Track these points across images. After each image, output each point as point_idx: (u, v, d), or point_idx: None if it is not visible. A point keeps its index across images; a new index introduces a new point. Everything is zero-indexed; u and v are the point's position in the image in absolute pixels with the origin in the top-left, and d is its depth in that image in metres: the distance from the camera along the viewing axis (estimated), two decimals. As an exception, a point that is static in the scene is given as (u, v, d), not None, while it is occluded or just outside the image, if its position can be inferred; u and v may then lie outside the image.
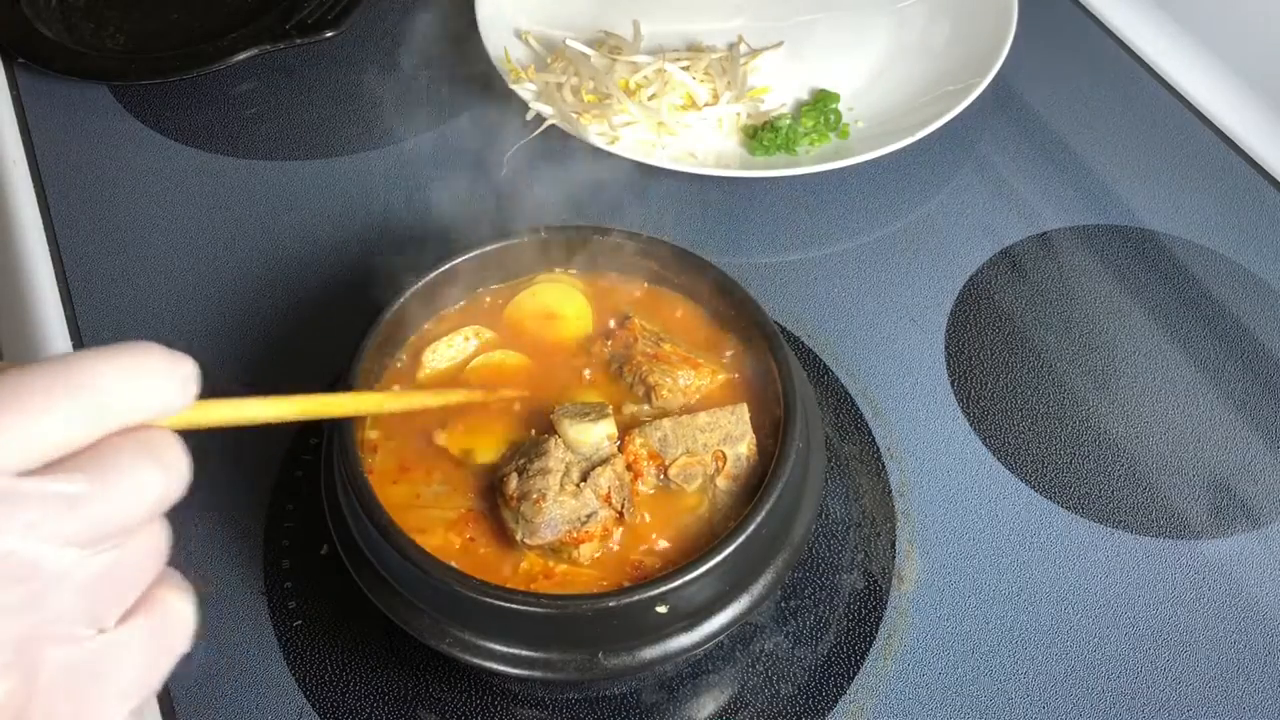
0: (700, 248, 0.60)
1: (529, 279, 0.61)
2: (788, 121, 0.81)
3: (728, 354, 0.58)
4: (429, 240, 0.60)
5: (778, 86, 0.86)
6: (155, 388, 0.31)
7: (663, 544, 0.52)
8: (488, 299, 0.61)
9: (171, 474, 0.31)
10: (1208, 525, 0.62)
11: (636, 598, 0.47)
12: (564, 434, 0.52)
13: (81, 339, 0.70)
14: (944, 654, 0.57)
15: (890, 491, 0.63)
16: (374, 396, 0.53)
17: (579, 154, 0.80)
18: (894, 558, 0.60)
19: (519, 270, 0.61)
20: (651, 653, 0.48)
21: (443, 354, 0.58)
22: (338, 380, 0.54)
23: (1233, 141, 0.84)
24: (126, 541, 0.30)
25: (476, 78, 0.87)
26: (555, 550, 0.50)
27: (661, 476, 0.53)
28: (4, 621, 0.28)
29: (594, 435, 0.52)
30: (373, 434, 0.55)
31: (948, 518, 0.62)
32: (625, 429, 0.54)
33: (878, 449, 0.65)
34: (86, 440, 0.29)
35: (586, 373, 0.58)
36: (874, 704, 0.55)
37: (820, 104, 0.83)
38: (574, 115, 0.81)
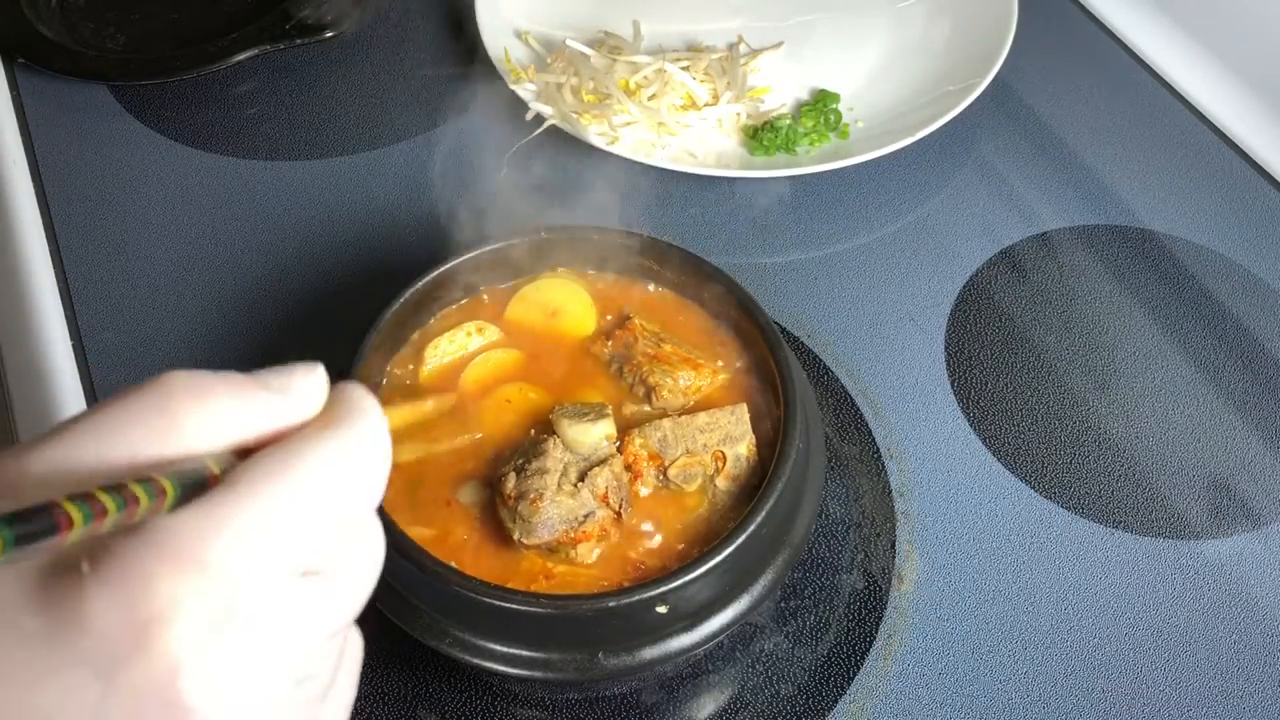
0: (700, 248, 0.60)
1: (530, 278, 0.61)
2: (788, 121, 0.81)
3: (728, 354, 0.58)
4: (429, 240, 0.60)
5: (778, 86, 0.86)
6: (389, 457, 0.31)
7: (663, 544, 0.52)
8: (489, 298, 0.61)
9: (381, 559, 0.31)
10: (1208, 525, 0.62)
11: (636, 598, 0.47)
12: (562, 434, 0.52)
13: (81, 339, 0.70)
14: (944, 654, 0.57)
15: (890, 492, 0.63)
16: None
17: (579, 154, 0.80)
18: (894, 558, 0.60)
19: (519, 270, 0.61)
20: (651, 653, 0.48)
21: (444, 350, 0.58)
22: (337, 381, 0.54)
23: (1233, 141, 0.84)
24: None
25: (476, 78, 0.87)
26: (553, 550, 0.50)
27: (661, 477, 0.53)
28: (295, 715, 0.28)
29: (592, 435, 0.52)
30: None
31: (948, 518, 0.62)
32: (625, 429, 0.54)
33: (878, 449, 0.65)
34: (351, 534, 0.29)
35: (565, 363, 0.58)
36: (874, 704, 0.55)
37: (820, 104, 0.83)
38: (574, 115, 0.81)
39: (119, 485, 0.24)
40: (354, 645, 0.32)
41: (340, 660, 0.31)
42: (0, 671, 0.23)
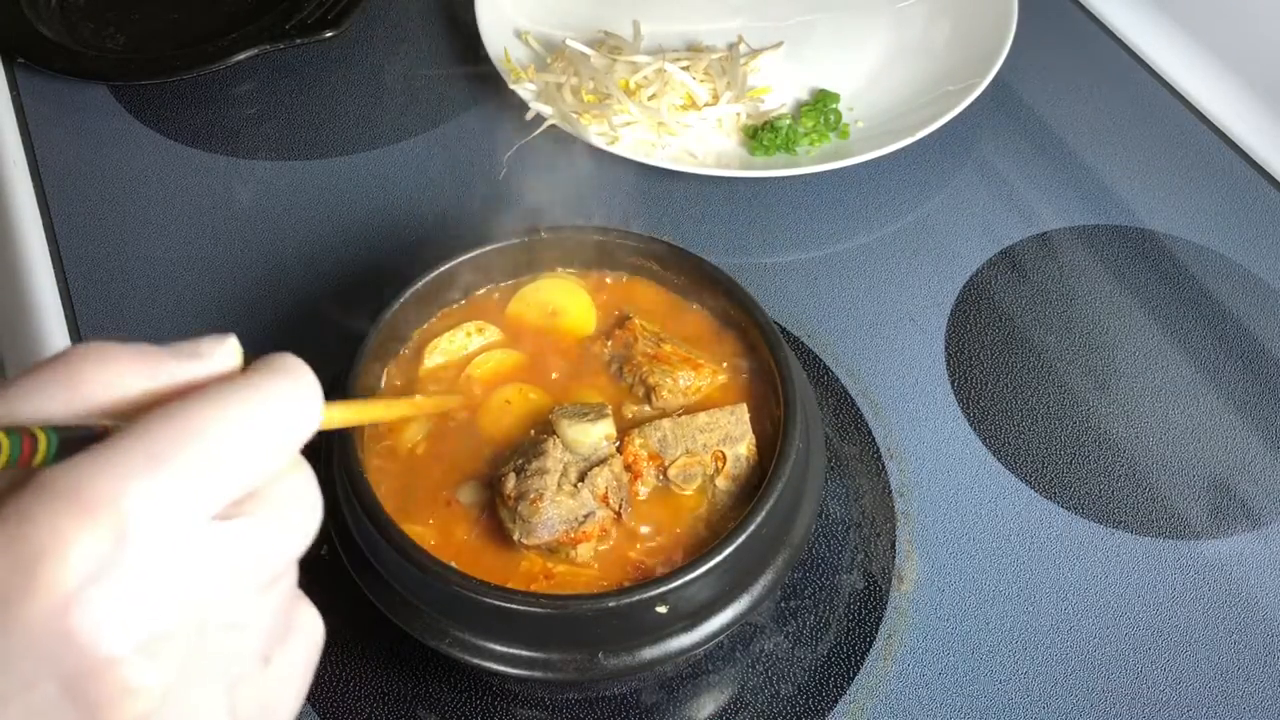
0: (700, 248, 0.60)
1: (530, 278, 0.61)
2: (788, 121, 0.81)
3: (728, 354, 0.58)
4: (429, 240, 0.60)
5: (778, 86, 0.86)
6: (315, 412, 0.30)
7: (663, 544, 0.52)
8: (489, 298, 0.61)
9: (319, 507, 0.31)
10: (1208, 525, 0.62)
11: (636, 598, 0.47)
12: (562, 434, 0.52)
13: (81, 339, 0.70)
14: (944, 654, 0.57)
15: (890, 492, 0.63)
16: (432, 400, 0.55)
17: (579, 154, 0.80)
18: (894, 558, 0.60)
19: (519, 270, 0.61)
20: (651, 653, 0.48)
21: (444, 349, 0.58)
22: (336, 381, 0.54)
23: (1233, 141, 0.84)
24: (288, 573, 0.30)
25: (476, 78, 0.88)
26: (553, 550, 0.50)
27: (661, 477, 0.53)
28: (222, 668, 0.28)
29: (592, 435, 0.52)
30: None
31: (948, 518, 0.62)
32: (625, 429, 0.54)
33: (878, 449, 0.65)
34: (268, 479, 0.29)
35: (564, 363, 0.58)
36: (874, 704, 0.55)
37: (820, 104, 0.83)
38: (574, 115, 0.81)
39: None
40: (307, 619, 0.32)
41: (288, 628, 0.31)
42: None
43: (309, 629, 0.32)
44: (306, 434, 0.30)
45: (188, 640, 0.27)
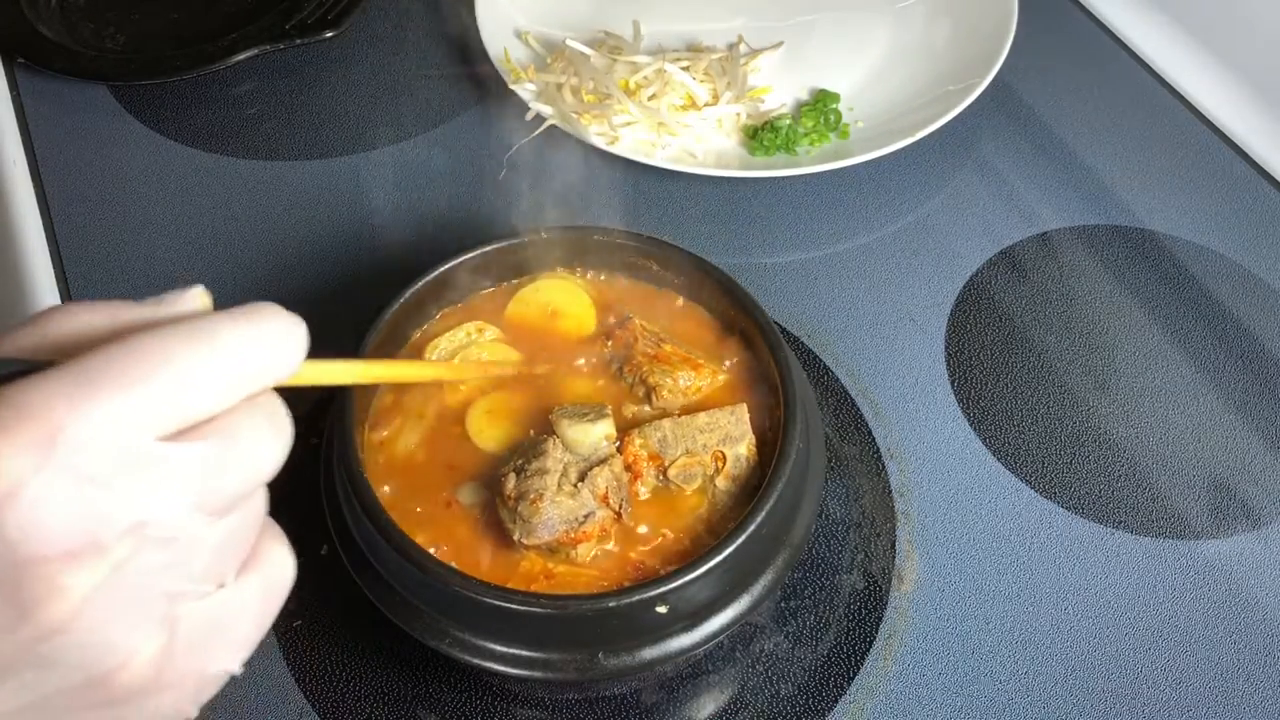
0: (700, 248, 0.60)
1: (530, 278, 0.61)
2: (788, 121, 0.81)
3: (728, 354, 0.58)
4: (429, 240, 0.60)
5: (778, 86, 0.86)
6: (283, 354, 0.31)
7: (663, 544, 0.52)
8: (489, 298, 0.61)
9: (284, 439, 0.32)
10: (1208, 525, 0.62)
11: (636, 598, 0.47)
12: (562, 434, 0.52)
13: (81, 339, 0.70)
14: (944, 654, 0.57)
15: (890, 492, 0.63)
16: (438, 365, 0.56)
17: (579, 154, 0.80)
18: (894, 558, 0.60)
19: (519, 270, 0.61)
20: (651, 653, 0.48)
21: (445, 349, 0.58)
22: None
23: (1233, 141, 0.84)
24: (245, 504, 0.31)
25: (476, 78, 0.88)
26: (553, 550, 0.50)
27: (661, 477, 0.53)
28: (156, 581, 0.29)
29: (592, 435, 0.52)
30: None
31: (948, 518, 0.62)
32: (625, 429, 0.54)
33: (878, 449, 0.65)
34: (221, 408, 0.30)
35: (580, 361, 0.58)
36: (874, 704, 0.55)
37: (820, 104, 0.83)
38: (574, 115, 0.81)
39: None
40: (276, 553, 0.33)
41: (253, 557, 0.32)
42: None
43: (276, 563, 0.33)
44: (271, 371, 0.31)
45: (122, 549, 0.28)
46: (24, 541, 0.26)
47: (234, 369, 0.30)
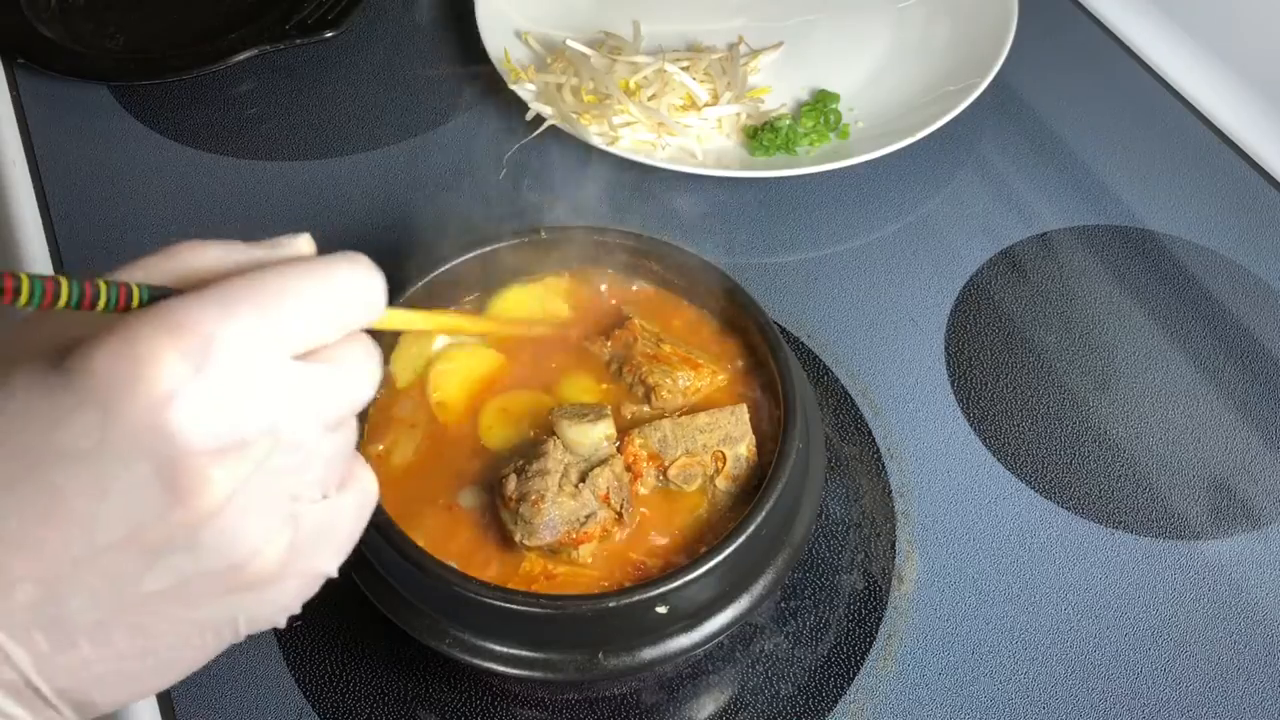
0: (700, 248, 0.60)
1: (529, 279, 0.61)
2: (788, 122, 0.81)
3: (728, 354, 0.58)
4: (429, 241, 0.60)
5: (778, 87, 0.86)
6: (376, 298, 0.35)
7: (663, 544, 0.52)
8: (488, 299, 0.61)
9: (379, 371, 0.36)
10: (1208, 525, 0.62)
11: (636, 598, 0.47)
12: (563, 435, 0.52)
13: (81, 339, 0.70)
14: (944, 654, 0.57)
15: (890, 492, 0.63)
16: (487, 320, 0.59)
17: (579, 154, 0.80)
18: (894, 558, 0.60)
19: (519, 271, 0.61)
20: (651, 653, 0.48)
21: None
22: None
23: (1233, 141, 0.84)
24: (347, 426, 0.35)
25: (476, 78, 0.88)
26: (554, 551, 0.50)
27: (661, 477, 0.53)
28: (284, 482, 0.33)
29: (593, 436, 0.52)
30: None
31: (948, 518, 0.62)
32: (625, 430, 0.54)
33: (878, 449, 0.65)
34: (333, 339, 0.34)
35: (552, 362, 0.58)
36: (874, 705, 0.55)
37: (820, 104, 0.83)
38: (574, 115, 0.81)
39: (85, 277, 0.32)
40: (363, 476, 0.37)
41: (348, 476, 0.36)
42: (29, 415, 0.30)
43: (364, 484, 0.37)
44: (370, 310, 0.35)
45: (260, 450, 0.32)
46: (182, 435, 0.30)
47: (345, 306, 0.34)
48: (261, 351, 0.31)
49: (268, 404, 0.31)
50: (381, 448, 0.54)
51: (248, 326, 0.31)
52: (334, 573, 0.37)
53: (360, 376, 0.35)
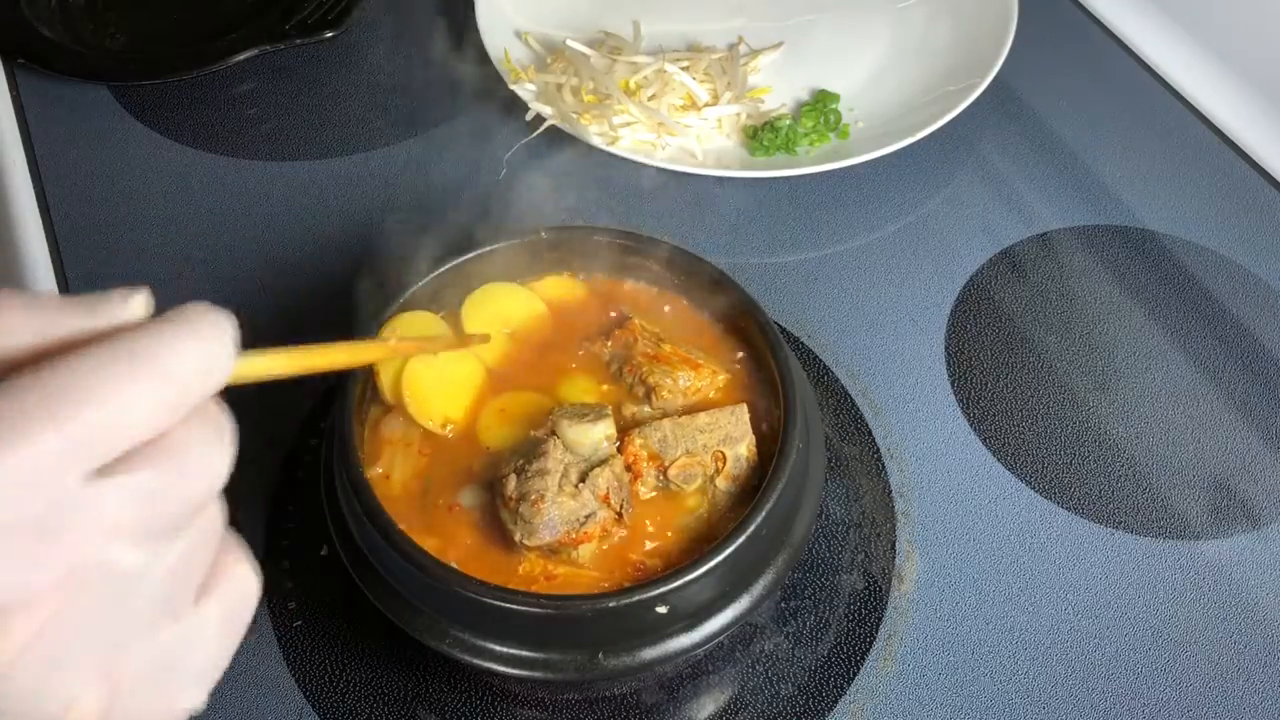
0: (700, 248, 0.60)
1: (530, 279, 0.61)
2: (788, 122, 0.81)
3: (728, 354, 0.58)
4: (429, 241, 0.60)
5: (778, 87, 0.86)
6: (222, 359, 0.29)
7: (663, 545, 0.52)
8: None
9: (229, 448, 0.30)
10: (1208, 525, 0.62)
11: (636, 598, 0.47)
12: (563, 435, 0.52)
13: (81, 339, 0.70)
14: (944, 654, 0.57)
15: (890, 492, 0.63)
16: (374, 345, 0.52)
17: (579, 154, 0.80)
18: (894, 558, 0.60)
19: (519, 271, 0.61)
20: (652, 653, 0.48)
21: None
22: (335, 384, 0.54)
23: (1233, 141, 0.84)
24: (196, 523, 0.29)
25: (476, 78, 0.88)
26: (554, 551, 0.50)
27: (661, 477, 0.53)
28: (97, 625, 0.27)
29: (592, 436, 0.52)
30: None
31: (948, 518, 0.62)
32: (625, 430, 0.54)
33: (878, 449, 0.65)
34: (164, 428, 0.28)
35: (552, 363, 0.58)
36: (874, 705, 0.55)
37: (820, 104, 0.83)
38: (574, 115, 0.81)
39: None
40: (236, 570, 0.31)
41: (213, 577, 0.30)
42: None
43: (237, 583, 0.31)
44: (211, 379, 0.29)
45: (56, 599, 0.26)
46: None
47: (174, 389, 0.28)
48: (50, 479, 0.25)
49: (60, 543, 0.26)
50: (380, 470, 0.54)
51: (29, 451, 0.25)
52: (198, 705, 0.31)
53: (201, 464, 0.28)
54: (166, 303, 0.30)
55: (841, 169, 0.78)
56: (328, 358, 0.42)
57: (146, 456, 0.27)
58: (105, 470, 0.27)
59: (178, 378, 0.28)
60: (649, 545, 0.52)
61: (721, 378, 0.57)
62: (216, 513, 0.30)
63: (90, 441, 0.26)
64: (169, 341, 0.28)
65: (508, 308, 0.59)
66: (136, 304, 0.29)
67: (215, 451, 0.29)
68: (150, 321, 0.29)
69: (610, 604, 0.47)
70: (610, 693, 0.56)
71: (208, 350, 0.29)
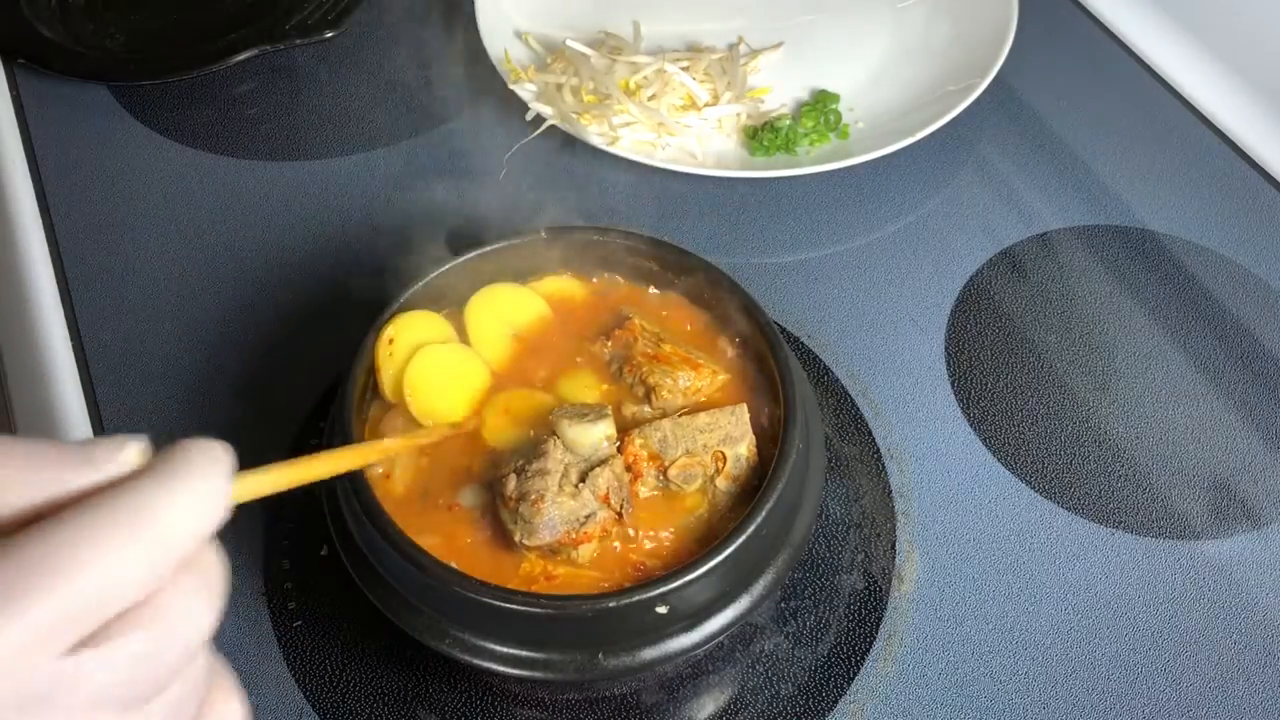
0: (700, 248, 0.60)
1: (530, 279, 0.61)
2: (788, 122, 0.81)
3: (728, 354, 0.58)
4: (429, 241, 0.60)
5: (778, 87, 0.86)
6: (216, 509, 0.29)
7: (663, 545, 0.52)
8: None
9: (220, 597, 0.29)
10: (1208, 525, 0.62)
11: (636, 598, 0.47)
12: (563, 435, 0.52)
13: (81, 339, 0.70)
14: (944, 654, 0.57)
15: (890, 492, 0.63)
16: (361, 449, 0.51)
17: (579, 154, 0.80)
18: (894, 558, 0.60)
19: (519, 271, 0.61)
20: (651, 653, 0.48)
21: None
22: (334, 386, 0.54)
23: (1233, 141, 0.84)
24: (184, 671, 0.29)
25: (476, 78, 0.88)
26: (554, 551, 0.50)
27: (661, 477, 0.53)
28: None
29: (592, 436, 0.52)
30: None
31: (948, 518, 0.62)
32: (625, 430, 0.54)
33: (878, 449, 0.65)
34: (149, 590, 0.27)
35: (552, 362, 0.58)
36: (874, 705, 0.55)
37: (820, 104, 0.83)
38: (574, 115, 0.81)
39: None
40: (226, 708, 0.30)
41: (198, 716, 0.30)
42: None
43: (226, 717, 0.31)
44: (199, 539, 0.28)
45: None
46: None
47: (166, 550, 0.27)
48: (33, 661, 0.24)
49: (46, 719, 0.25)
50: (381, 470, 0.54)
51: (25, 628, 0.24)
52: None
53: (191, 620, 0.28)
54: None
55: (841, 169, 0.78)
56: (318, 468, 0.41)
57: (134, 621, 0.27)
58: (92, 639, 0.26)
59: (170, 539, 0.27)
60: (649, 545, 0.52)
61: (721, 378, 0.57)
62: (203, 657, 0.29)
63: (78, 615, 0.25)
64: (163, 500, 0.27)
65: (512, 308, 0.59)
66: (131, 453, 0.28)
67: (205, 605, 0.28)
68: (144, 475, 0.28)
69: (610, 604, 0.47)
70: (610, 693, 0.56)
71: (201, 505, 0.28)
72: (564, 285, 0.61)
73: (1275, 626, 0.58)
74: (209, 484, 0.28)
